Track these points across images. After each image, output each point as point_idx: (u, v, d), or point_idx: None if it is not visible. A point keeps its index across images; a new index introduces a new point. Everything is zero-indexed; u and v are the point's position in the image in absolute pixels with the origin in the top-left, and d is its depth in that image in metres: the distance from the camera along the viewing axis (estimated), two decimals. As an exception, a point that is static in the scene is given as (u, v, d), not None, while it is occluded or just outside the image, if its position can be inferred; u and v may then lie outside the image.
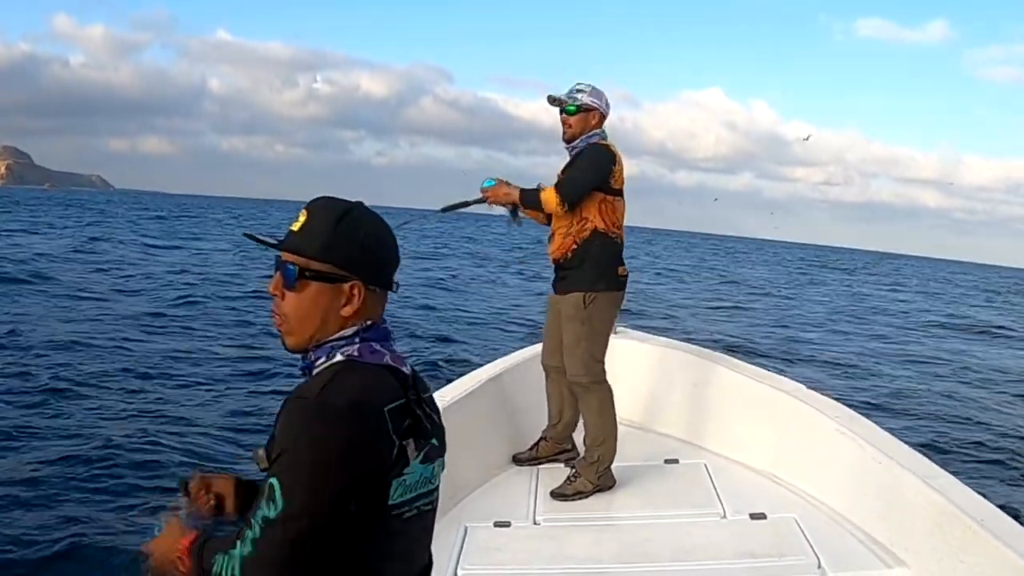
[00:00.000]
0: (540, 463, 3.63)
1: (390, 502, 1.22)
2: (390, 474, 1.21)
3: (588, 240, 3.27)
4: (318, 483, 1.14)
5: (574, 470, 3.34)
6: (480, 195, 3.41)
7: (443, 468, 1.37)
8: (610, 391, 3.38)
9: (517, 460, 3.66)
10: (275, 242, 1.30)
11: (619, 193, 3.34)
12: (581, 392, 3.37)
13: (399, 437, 1.22)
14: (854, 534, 2.88)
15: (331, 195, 1.32)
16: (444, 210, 3.47)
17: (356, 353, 1.26)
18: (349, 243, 1.26)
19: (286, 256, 1.28)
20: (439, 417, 1.38)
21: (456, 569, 2.69)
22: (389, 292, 1.35)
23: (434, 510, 1.35)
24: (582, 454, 3.44)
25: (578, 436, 3.60)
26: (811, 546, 2.77)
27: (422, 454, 1.27)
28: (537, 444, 3.67)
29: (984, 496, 2.58)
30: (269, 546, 1.15)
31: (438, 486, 1.35)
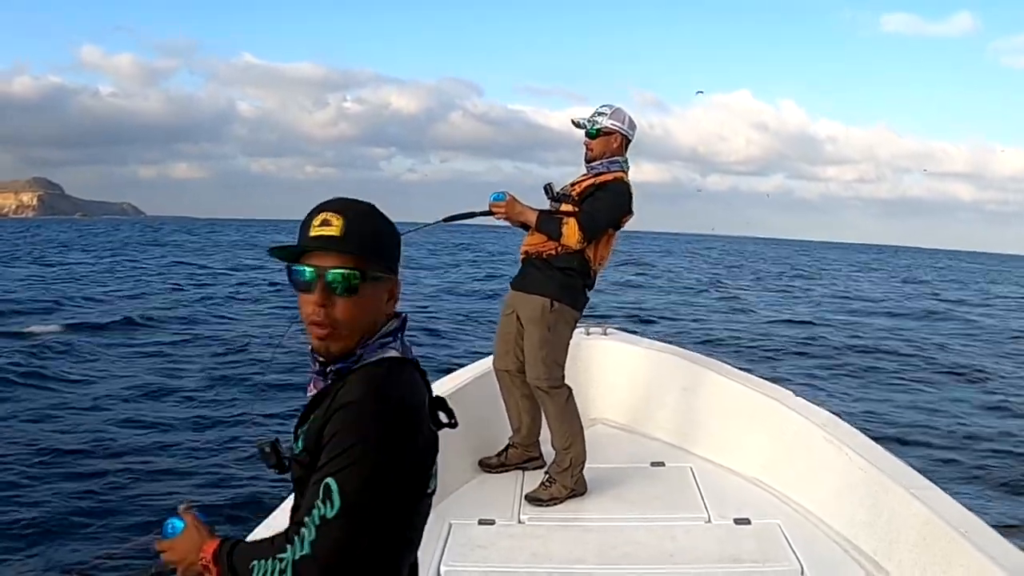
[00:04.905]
0: (508, 470, 3.58)
1: (428, 491, 1.28)
2: (434, 465, 1.28)
3: (572, 254, 3.25)
4: (380, 483, 1.16)
5: (548, 475, 3.31)
6: (488, 208, 3.29)
7: None
8: (571, 392, 3.35)
9: (485, 466, 3.60)
10: (299, 249, 1.24)
11: (618, 228, 3.37)
12: (542, 396, 3.33)
13: (436, 429, 1.28)
14: (838, 542, 2.88)
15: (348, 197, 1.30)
16: (447, 220, 3.37)
17: (401, 349, 1.29)
18: (392, 241, 1.29)
19: (343, 261, 1.22)
20: None
21: (440, 565, 2.68)
22: None
23: None
24: (552, 460, 3.37)
25: (544, 444, 3.53)
26: (795, 553, 2.77)
27: None
28: (506, 451, 3.61)
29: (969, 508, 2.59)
30: (326, 546, 1.13)
31: None
